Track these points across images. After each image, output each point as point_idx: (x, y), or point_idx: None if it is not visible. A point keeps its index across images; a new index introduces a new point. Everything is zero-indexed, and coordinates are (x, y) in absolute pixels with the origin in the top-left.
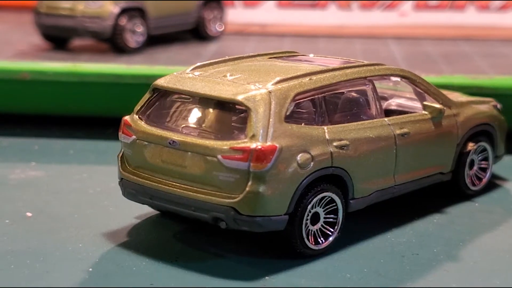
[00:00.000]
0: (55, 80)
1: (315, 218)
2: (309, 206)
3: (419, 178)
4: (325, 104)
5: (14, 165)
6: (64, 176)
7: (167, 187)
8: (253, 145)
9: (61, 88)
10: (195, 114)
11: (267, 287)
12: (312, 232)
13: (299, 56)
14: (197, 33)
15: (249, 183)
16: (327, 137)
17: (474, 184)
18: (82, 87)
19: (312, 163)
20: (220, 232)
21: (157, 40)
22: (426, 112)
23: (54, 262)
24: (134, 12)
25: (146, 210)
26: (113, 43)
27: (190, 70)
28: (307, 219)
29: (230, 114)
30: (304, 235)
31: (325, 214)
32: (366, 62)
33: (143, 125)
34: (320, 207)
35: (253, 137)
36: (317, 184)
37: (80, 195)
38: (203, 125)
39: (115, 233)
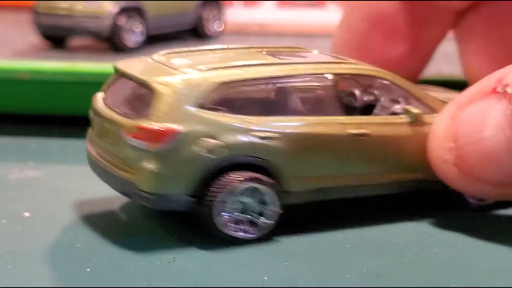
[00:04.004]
0: (54, 80)
1: (244, 207)
2: (225, 192)
3: (390, 182)
4: (258, 95)
5: (12, 165)
6: (62, 176)
7: (100, 158)
8: (151, 125)
9: (59, 87)
10: (128, 93)
11: (266, 287)
12: (241, 221)
13: (301, 52)
14: (196, 32)
15: (146, 161)
16: (249, 127)
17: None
18: (80, 87)
19: (223, 150)
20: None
21: (156, 39)
22: (404, 116)
23: (52, 262)
24: (132, 11)
25: (145, 211)
26: (111, 42)
27: (158, 54)
28: (224, 206)
29: (146, 95)
30: (215, 220)
31: (259, 205)
32: (352, 61)
33: (99, 101)
34: (248, 197)
35: (155, 118)
36: (235, 172)
37: (78, 195)
38: (129, 104)
39: (113, 234)
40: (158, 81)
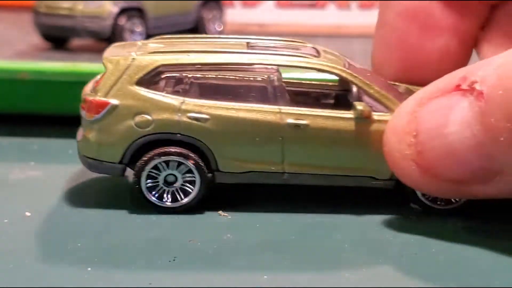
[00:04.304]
0: (55, 80)
1: (169, 180)
2: (151, 164)
3: (330, 175)
4: (197, 79)
5: (13, 165)
6: (63, 176)
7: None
8: (91, 97)
9: (60, 88)
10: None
11: (266, 287)
12: (169, 191)
13: (295, 44)
14: (196, 32)
15: (87, 130)
16: (182, 107)
17: (436, 200)
18: (81, 87)
19: (152, 125)
20: (218, 232)
21: None
22: (350, 112)
23: (53, 262)
24: (133, 11)
25: (144, 210)
26: (112, 42)
27: (154, 38)
28: (149, 176)
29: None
30: (144, 189)
31: (183, 178)
32: (309, 51)
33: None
34: (174, 170)
35: (97, 91)
36: (163, 147)
37: (79, 195)
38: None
39: (113, 233)
40: (107, 59)
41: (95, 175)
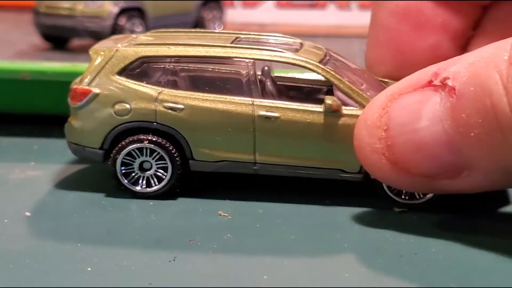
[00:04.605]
0: (55, 80)
1: (143, 166)
2: (124, 151)
3: (299, 166)
4: (176, 71)
5: (14, 165)
6: (64, 176)
7: None
8: (75, 86)
9: (60, 88)
10: None
11: (266, 287)
12: (144, 177)
13: (284, 39)
14: None
15: (71, 117)
16: (159, 97)
17: (406, 196)
18: None
19: (130, 113)
20: (218, 232)
21: None
22: (320, 106)
23: (53, 262)
24: (133, 12)
25: (144, 210)
26: None
27: (150, 31)
28: (124, 162)
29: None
30: (119, 175)
31: (156, 165)
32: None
33: None
34: (148, 157)
35: (81, 80)
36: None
37: (79, 195)
38: None
39: (114, 233)
40: (94, 50)
41: (95, 175)
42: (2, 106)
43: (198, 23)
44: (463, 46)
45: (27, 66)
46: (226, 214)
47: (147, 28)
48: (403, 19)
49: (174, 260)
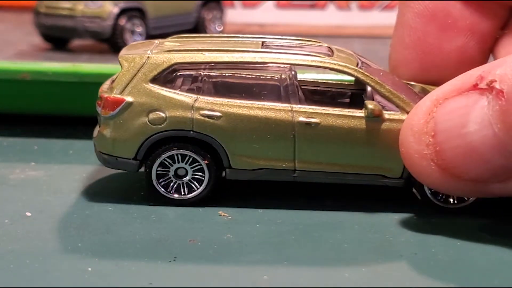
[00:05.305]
0: (55, 80)
1: (179, 174)
2: (159, 159)
3: (341, 173)
4: (211, 78)
5: (14, 165)
6: (64, 176)
7: None
8: (107, 95)
9: (61, 88)
10: None
11: (266, 287)
12: (176, 184)
13: (310, 43)
14: (196, 33)
15: (102, 126)
16: (195, 105)
17: (447, 199)
18: (82, 87)
19: (166, 122)
20: (218, 232)
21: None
22: (361, 111)
23: (54, 262)
24: (133, 12)
25: (144, 210)
26: (112, 43)
27: (171, 37)
28: (158, 169)
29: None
30: (154, 182)
31: (193, 174)
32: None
33: None
34: (187, 164)
35: (113, 88)
36: (175, 143)
37: (80, 195)
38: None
39: (114, 233)
40: (123, 57)
41: (95, 175)
42: (2, 106)
43: (198, 23)
44: (490, 48)
45: (28, 66)
46: (226, 214)
47: (147, 29)
48: (430, 21)
49: (174, 260)
